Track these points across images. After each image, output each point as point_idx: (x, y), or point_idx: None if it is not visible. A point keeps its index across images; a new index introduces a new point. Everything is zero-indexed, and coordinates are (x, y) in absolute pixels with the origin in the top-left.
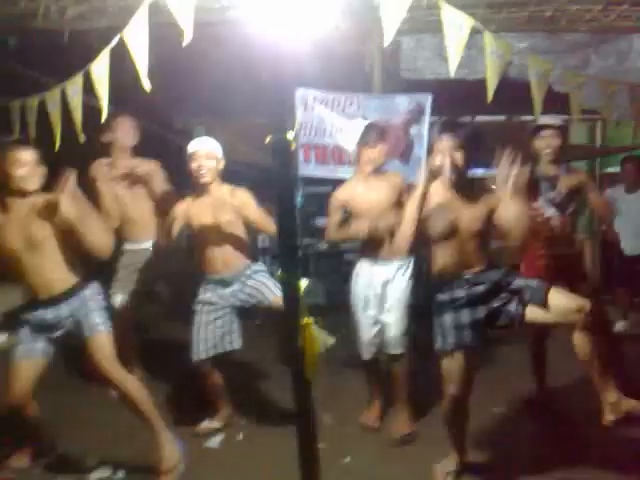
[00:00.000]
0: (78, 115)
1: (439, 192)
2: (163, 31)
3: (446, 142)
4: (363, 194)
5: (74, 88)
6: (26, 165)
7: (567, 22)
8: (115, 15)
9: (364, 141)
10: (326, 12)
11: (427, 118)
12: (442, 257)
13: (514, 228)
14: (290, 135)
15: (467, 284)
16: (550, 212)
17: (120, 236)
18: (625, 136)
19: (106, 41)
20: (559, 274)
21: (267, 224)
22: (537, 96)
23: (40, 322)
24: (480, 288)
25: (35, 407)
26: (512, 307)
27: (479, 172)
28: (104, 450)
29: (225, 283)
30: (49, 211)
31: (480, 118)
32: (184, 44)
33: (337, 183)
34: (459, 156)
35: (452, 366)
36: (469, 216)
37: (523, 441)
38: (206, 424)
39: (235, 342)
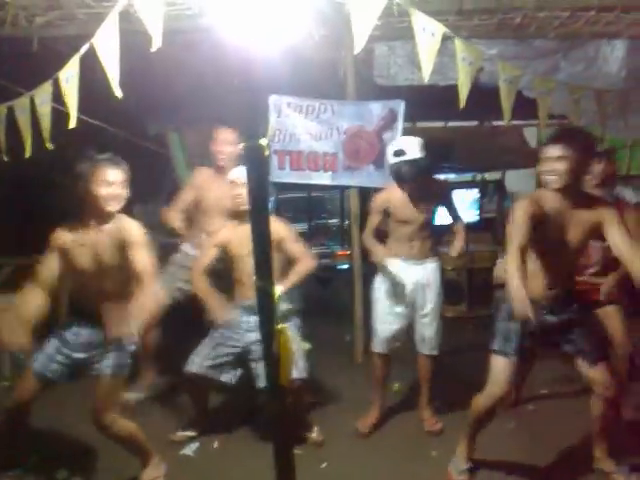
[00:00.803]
0: (46, 123)
1: (549, 200)
2: (135, 38)
3: (553, 150)
4: (406, 200)
5: (43, 96)
6: (113, 185)
7: (536, 29)
8: (84, 23)
9: (406, 175)
10: (299, 19)
11: (400, 124)
12: (533, 269)
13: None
14: (263, 141)
15: (543, 308)
16: None
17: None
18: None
19: (76, 49)
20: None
21: (306, 256)
22: (506, 101)
23: (71, 340)
24: (552, 319)
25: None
26: (567, 348)
27: (451, 177)
28: (83, 461)
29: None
30: (122, 232)
31: (452, 124)
32: (153, 50)
33: (312, 189)
34: (566, 165)
35: (503, 368)
36: (575, 231)
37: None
38: (181, 433)
39: (231, 378)
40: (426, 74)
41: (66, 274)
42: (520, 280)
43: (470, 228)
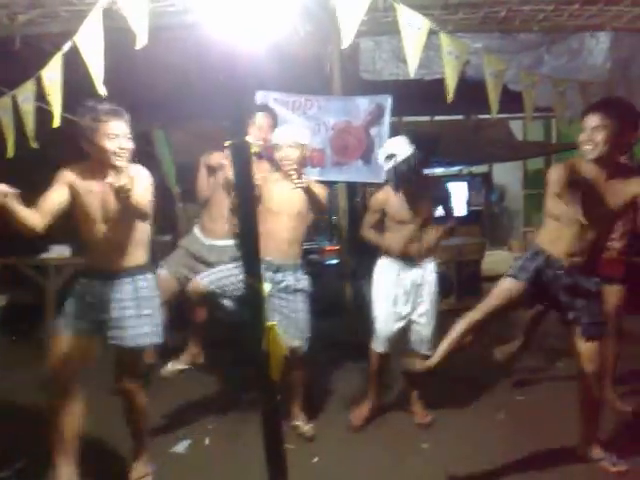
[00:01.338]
0: (29, 121)
1: (585, 169)
2: (118, 35)
3: (591, 120)
4: (404, 200)
5: (25, 94)
6: (120, 138)
7: (520, 22)
8: (67, 20)
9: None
10: (284, 15)
11: (387, 119)
12: (562, 235)
13: None
14: (249, 138)
15: (561, 270)
16: None
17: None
18: (578, 133)
19: (59, 46)
20: None
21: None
22: (493, 95)
23: (90, 297)
24: (568, 280)
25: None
26: (570, 315)
27: (439, 170)
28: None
29: (273, 267)
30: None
31: (438, 118)
32: (137, 48)
33: None
34: (604, 135)
35: (508, 285)
36: (608, 202)
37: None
38: (171, 366)
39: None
40: (412, 68)
41: (77, 222)
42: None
43: (458, 221)
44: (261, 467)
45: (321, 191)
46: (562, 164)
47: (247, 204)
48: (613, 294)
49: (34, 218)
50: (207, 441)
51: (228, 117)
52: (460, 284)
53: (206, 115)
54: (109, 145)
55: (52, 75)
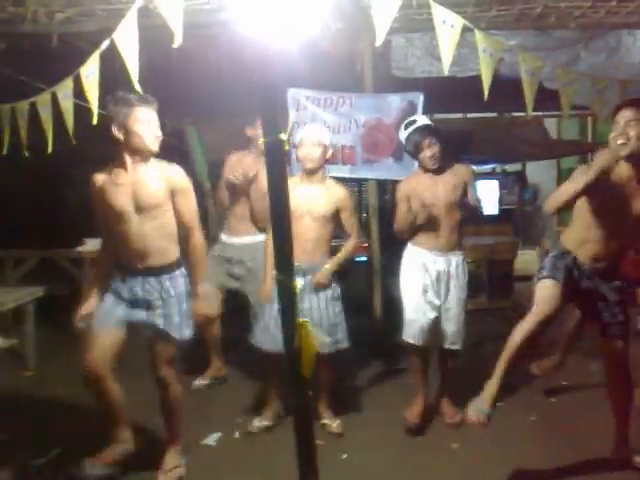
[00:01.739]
0: (69, 118)
1: (616, 167)
2: (153, 33)
3: (625, 113)
4: (428, 187)
5: (64, 91)
6: (152, 123)
7: (556, 19)
8: (104, 18)
9: (419, 147)
10: (316, 12)
11: (421, 116)
12: (587, 235)
13: None
14: (283, 135)
15: (584, 272)
16: None
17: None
18: None
19: (96, 44)
20: None
21: (357, 237)
22: (529, 93)
23: (125, 293)
24: (593, 284)
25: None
26: (604, 314)
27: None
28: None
29: (301, 272)
30: (167, 179)
31: (471, 115)
32: (175, 46)
33: None
34: (638, 130)
35: (552, 289)
36: (636, 202)
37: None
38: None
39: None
40: (446, 66)
41: (107, 220)
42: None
43: (490, 220)
44: (291, 462)
45: (348, 250)
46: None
47: (280, 202)
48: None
49: (109, 258)
50: (237, 434)
51: (260, 115)
52: (491, 284)
53: (238, 112)
54: (143, 130)
55: (90, 73)
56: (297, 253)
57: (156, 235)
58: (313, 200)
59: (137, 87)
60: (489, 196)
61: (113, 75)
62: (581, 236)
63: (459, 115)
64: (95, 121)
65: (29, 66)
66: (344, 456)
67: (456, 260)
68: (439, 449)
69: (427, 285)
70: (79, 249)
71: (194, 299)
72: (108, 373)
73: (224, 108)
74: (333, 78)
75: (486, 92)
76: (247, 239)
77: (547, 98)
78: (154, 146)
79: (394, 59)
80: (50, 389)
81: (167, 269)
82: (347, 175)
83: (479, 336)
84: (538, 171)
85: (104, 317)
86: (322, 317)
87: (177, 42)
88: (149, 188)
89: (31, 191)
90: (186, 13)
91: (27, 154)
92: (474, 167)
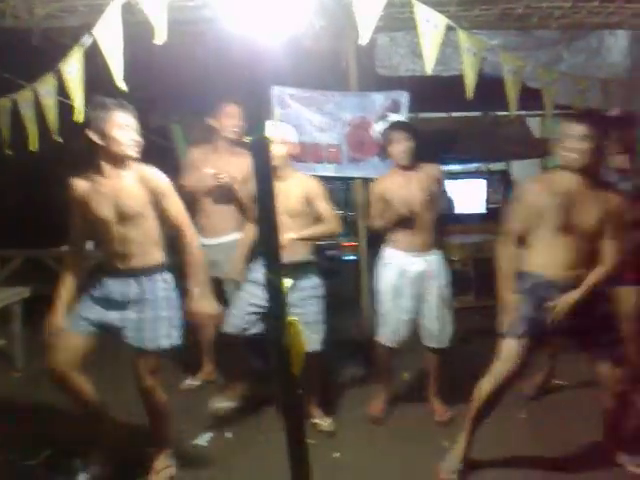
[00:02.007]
0: (52, 115)
1: (563, 181)
2: (136, 29)
3: (578, 129)
4: (401, 186)
5: (46, 88)
6: (130, 129)
7: (538, 19)
8: (86, 14)
9: (391, 140)
10: (301, 10)
11: (404, 115)
12: (550, 252)
13: None
14: (269, 134)
15: (561, 290)
16: None
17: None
18: None
19: (78, 41)
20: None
21: (333, 221)
22: (511, 92)
23: (105, 296)
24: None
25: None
26: (582, 337)
27: (456, 167)
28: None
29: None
30: (148, 183)
31: (455, 114)
32: (158, 43)
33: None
34: (589, 145)
35: (512, 349)
36: (590, 213)
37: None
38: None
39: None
40: (429, 65)
41: (87, 226)
42: (509, 279)
43: (477, 218)
44: (283, 461)
45: (320, 229)
46: (533, 181)
47: (267, 199)
48: (627, 298)
49: (74, 276)
50: (229, 434)
51: (247, 112)
52: (478, 282)
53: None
54: (120, 135)
55: (72, 69)
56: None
57: (138, 240)
58: (285, 196)
59: (121, 84)
60: (476, 195)
61: (97, 72)
62: (545, 254)
63: (443, 114)
64: (80, 118)
65: (11, 62)
66: (336, 455)
67: (434, 259)
68: (430, 447)
69: (401, 288)
70: (65, 248)
71: (189, 301)
72: (73, 371)
73: (210, 106)
74: (317, 76)
75: (470, 91)
76: (221, 239)
77: (530, 97)
78: (133, 152)
79: (378, 57)
80: (39, 390)
81: (147, 271)
82: (333, 174)
83: (466, 334)
84: (522, 170)
85: (76, 318)
86: (299, 315)
87: (160, 39)
88: (130, 195)
89: (15, 190)
90: (170, 10)
91: (10, 152)
92: (459, 166)
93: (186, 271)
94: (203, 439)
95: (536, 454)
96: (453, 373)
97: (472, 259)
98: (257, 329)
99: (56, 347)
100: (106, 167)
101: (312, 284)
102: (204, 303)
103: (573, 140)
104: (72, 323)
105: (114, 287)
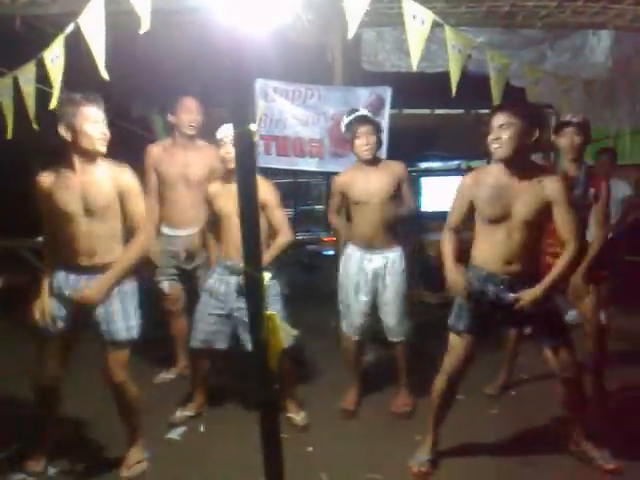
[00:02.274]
0: (31, 103)
1: (493, 173)
2: (120, 18)
3: (498, 118)
4: (361, 182)
5: (26, 76)
6: (99, 122)
7: (523, 18)
8: (68, 2)
9: (355, 134)
10: (287, 2)
11: (387, 110)
12: (488, 244)
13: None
14: (252, 127)
15: (501, 284)
16: None
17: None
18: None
19: (60, 28)
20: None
21: (284, 227)
22: (496, 90)
23: (67, 292)
24: (509, 297)
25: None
26: (526, 330)
27: (437, 164)
28: (64, 440)
29: (237, 270)
30: (116, 180)
31: (439, 111)
32: (141, 32)
33: (297, 175)
34: (509, 133)
35: (455, 345)
36: (522, 203)
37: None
38: (180, 413)
39: (224, 343)
40: (415, 62)
41: (52, 220)
42: (453, 260)
43: None
44: (256, 455)
45: (279, 245)
46: (466, 176)
47: (248, 192)
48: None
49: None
50: (202, 428)
51: (229, 104)
52: None
53: (208, 102)
54: (90, 129)
55: (54, 57)
56: (232, 252)
57: (104, 235)
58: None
59: (103, 73)
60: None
61: (78, 61)
62: (484, 247)
63: (427, 111)
64: (55, 105)
65: None
66: (309, 449)
67: (392, 256)
68: (403, 442)
69: (360, 285)
70: (40, 239)
71: (85, 286)
72: (59, 381)
73: (193, 96)
74: (303, 69)
75: (454, 88)
76: (191, 230)
77: (513, 96)
78: (102, 146)
79: (364, 52)
80: (10, 383)
81: (109, 268)
82: (314, 168)
83: (443, 330)
84: None
85: (50, 321)
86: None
87: (144, 28)
88: (98, 190)
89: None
90: None
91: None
92: (440, 163)
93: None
94: (176, 433)
95: (505, 449)
96: (427, 369)
97: None
98: (218, 344)
99: (42, 352)
100: (76, 162)
101: (270, 283)
102: (92, 293)
103: (494, 130)
104: (46, 327)
105: (79, 284)
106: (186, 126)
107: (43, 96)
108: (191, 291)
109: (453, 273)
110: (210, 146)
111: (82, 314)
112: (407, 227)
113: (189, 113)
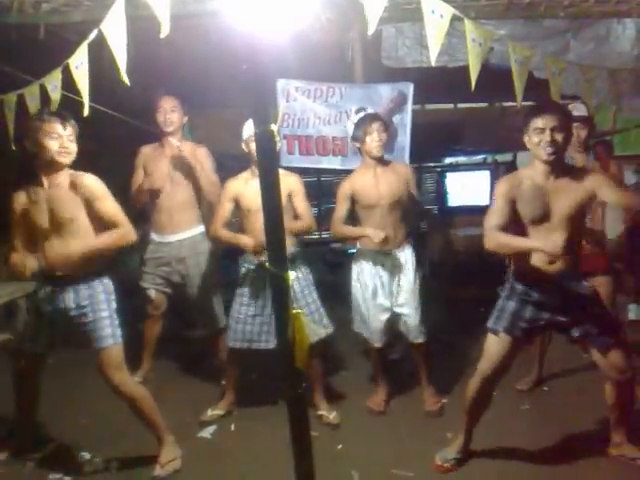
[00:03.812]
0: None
1: (535, 175)
2: (141, 24)
3: (547, 121)
4: (370, 185)
5: (53, 83)
6: (62, 137)
7: (545, 8)
8: (91, 9)
9: (366, 131)
10: (306, 2)
11: (409, 106)
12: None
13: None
14: (273, 127)
15: (547, 286)
16: None
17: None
18: (603, 121)
19: (83, 35)
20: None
21: (307, 215)
22: (518, 83)
23: (46, 306)
24: (556, 299)
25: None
26: (575, 332)
27: (462, 159)
28: (99, 441)
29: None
30: (81, 189)
31: (462, 105)
32: (162, 36)
33: (321, 173)
34: (562, 135)
35: (494, 346)
36: (566, 200)
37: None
38: (210, 412)
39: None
40: (433, 56)
41: (27, 235)
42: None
43: (482, 210)
44: (287, 453)
45: (297, 226)
46: (505, 180)
47: (272, 193)
48: (601, 287)
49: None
50: (233, 427)
51: (250, 106)
52: (483, 273)
53: (228, 104)
54: (50, 143)
55: (79, 63)
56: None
57: (69, 245)
58: None
59: (125, 79)
60: (481, 186)
61: (100, 66)
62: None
63: (450, 106)
64: (86, 113)
65: (16, 58)
66: (339, 447)
67: (405, 255)
68: (434, 439)
69: (377, 287)
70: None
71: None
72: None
73: (215, 100)
74: (323, 68)
75: (474, 82)
76: (184, 234)
77: (537, 87)
78: (63, 158)
79: (384, 49)
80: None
81: (86, 279)
82: (338, 167)
83: (471, 326)
84: (529, 160)
85: (33, 338)
86: (301, 307)
87: (164, 32)
88: (63, 203)
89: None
90: (174, 3)
91: (14, 147)
92: (466, 158)
93: None
94: (207, 431)
95: (539, 443)
96: (456, 366)
97: (477, 251)
98: (263, 344)
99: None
100: (42, 176)
101: (303, 275)
102: (29, 262)
103: (546, 133)
104: (28, 342)
105: (53, 295)
106: (165, 125)
107: (65, 104)
108: (177, 300)
109: (529, 241)
110: (196, 145)
111: (62, 327)
112: (421, 225)
113: (166, 112)
